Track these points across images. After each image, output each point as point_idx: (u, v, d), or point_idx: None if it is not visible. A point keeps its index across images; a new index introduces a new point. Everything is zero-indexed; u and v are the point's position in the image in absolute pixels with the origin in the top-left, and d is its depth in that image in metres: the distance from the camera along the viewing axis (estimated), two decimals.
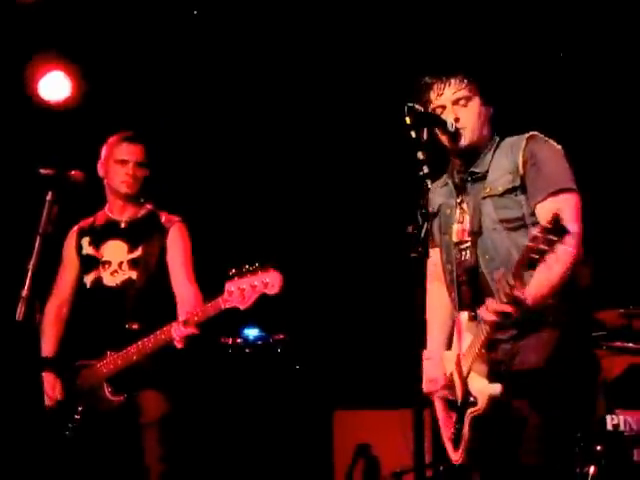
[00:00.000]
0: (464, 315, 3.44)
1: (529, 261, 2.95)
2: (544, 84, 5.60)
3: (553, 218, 2.86)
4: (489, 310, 3.17)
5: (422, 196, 3.15)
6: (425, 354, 3.35)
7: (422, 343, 3.36)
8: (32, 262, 3.76)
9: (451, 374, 3.51)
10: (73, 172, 4.02)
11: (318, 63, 5.93)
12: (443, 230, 3.60)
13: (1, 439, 5.36)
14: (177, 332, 4.15)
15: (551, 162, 3.38)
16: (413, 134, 3.19)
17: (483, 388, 3.33)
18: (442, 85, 3.46)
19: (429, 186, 3.18)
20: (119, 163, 4.50)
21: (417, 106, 3.25)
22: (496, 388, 3.31)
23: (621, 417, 4.53)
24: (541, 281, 3.21)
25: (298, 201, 6.32)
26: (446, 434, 3.55)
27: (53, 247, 3.98)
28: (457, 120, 3.43)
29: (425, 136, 3.20)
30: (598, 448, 4.37)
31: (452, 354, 3.54)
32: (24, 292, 3.72)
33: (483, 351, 3.33)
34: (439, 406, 3.61)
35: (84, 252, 4.58)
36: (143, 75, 5.91)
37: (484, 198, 3.44)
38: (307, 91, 6.04)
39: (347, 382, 6.18)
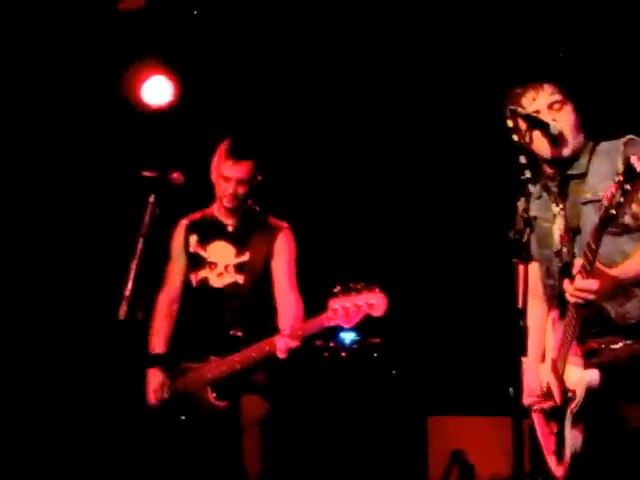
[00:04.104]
0: (553, 315, 3.39)
1: (608, 217, 2.92)
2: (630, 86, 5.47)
3: (625, 165, 2.85)
4: (572, 289, 3.16)
5: (524, 200, 3.11)
6: (524, 365, 3.30)
7: (522, 350, 3.31)
8: (134, 262, 3.83)
9: (548, 384, 3.45)
10: (174, 174, 4.08)
11: (421, 73, 5.88)
12: (542, 244, 3.53)
13: (105, 438, 5.46)
14: (280, 344, 4.17)
15: None
16: (515, 137, 3.16)
17: (580, 378, 3.28)
18: (535, 90, 3.45)
19: (531, 190, 3.14)
20: (223, 178, 4.47)
21: (519, 109, 3.23)
22: (593, 374, 3.24)
23: None
24: (635, 259, 3.20)
25: (398, 202, 6.28)
26: (548, 448, 3.47)
27: (154, 247, 4.03)
28: (555, 121, 3.39)
29: (527, 139, 3.17)
30: None
31: (547, 364, 3.49)
32: (126, 292, 3.78)
33: (575, 343, 3.28)
34: (538, 421, 3.54)
35: (191, 249, 4.58)
36: (244, 79, 5.94)
37: (585, 203, 3.38)
38: (407, 102, 6.00)
39: (442, 387, 6.12)
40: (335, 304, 4.03)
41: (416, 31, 5.72)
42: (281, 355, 4.18)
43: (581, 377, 3.28)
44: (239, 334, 4.35)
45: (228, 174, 4.45)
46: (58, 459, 5.59)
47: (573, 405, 3.30)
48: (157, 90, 5.75)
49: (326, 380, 6.08)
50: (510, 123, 3.17)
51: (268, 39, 5.82)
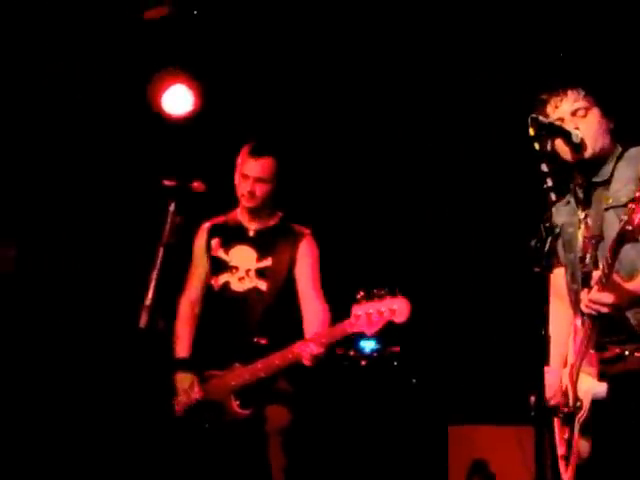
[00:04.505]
0: (577, 321, 3.39)
1: (624, 234, 2.92)
2: None
3: None
4: (587, 300, 3.16)
5: (546, 209, 3.10)
6: (547, 372, 3.29)
7: (544, 359, 3.29)
8: (155, 271, 3.84)
9: (566, 387, 3.44)
10: (195, 183, 4.09)
11: (442, 81, 5.87)
12: (567, 249, 3.53)
13: (129, 447, 5.48)
14: (304, 352, 4.15)
15: None
16: (537, 146, 3.15)
17: (588, 388, 3.27)
18: (559, 98, 3.44)
19: (553, 199, 3.13)
20: (242, 176, 4.49)
21: (541, 117, 3.22)
22: (601, 387, 3.23)
23: None
24: None
25: (420, 209, 6.27)
26: (560, 452, 3.47)
27: (175, 256, 4.04)
28: (577, 130, 3.37)
29: (549, 148, 3.16)
30: None
31: (567, 369, 3.48)
32: (147, 301, 3.79)
33: (591, 351, 3.26)
34: (556, 424, 3.54)
35: (213, 253, 4.57)
36: (265, 87, 5.95)
37: (607, 209, 3.37)
38: (434, 110, 5.98)
39: (463, 396, 6.10)
40: (358, 310, 4.03)
41: (442, 37, 5.71)
42: (307, 363, 4.16)
43: (589, 388, 3.28)
44: (263, 342, 4.34)
45: (247, 172, 4.47)
46: (81, 466, 5.62)
47: (580, 414, 3.30)
48: (178, 99, 5.76)
49: (346, 389, 6.07)
50: (532, 131, 3.16)
51: (290, 49, 5.82)
